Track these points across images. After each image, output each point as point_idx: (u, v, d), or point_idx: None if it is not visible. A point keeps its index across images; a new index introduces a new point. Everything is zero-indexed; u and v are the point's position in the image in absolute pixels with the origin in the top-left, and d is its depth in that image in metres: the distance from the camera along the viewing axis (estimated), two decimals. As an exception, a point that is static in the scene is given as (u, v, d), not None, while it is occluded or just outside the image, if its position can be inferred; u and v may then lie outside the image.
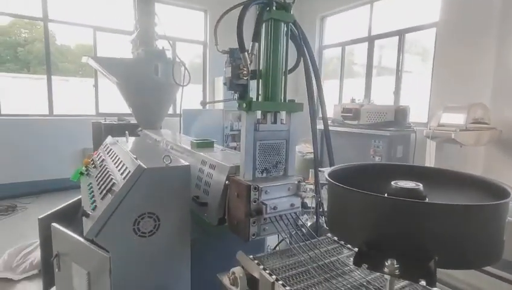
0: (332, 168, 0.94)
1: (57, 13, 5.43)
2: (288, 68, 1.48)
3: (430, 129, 3.53)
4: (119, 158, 1.78)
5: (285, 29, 1.39)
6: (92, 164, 2.16)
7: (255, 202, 1.32)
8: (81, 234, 1.51)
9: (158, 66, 3.17)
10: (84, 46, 6.25)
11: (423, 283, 0.66)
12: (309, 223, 1.83)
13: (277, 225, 1.35)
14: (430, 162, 3.63)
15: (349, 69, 6.93)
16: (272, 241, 1.81)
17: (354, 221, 0.76)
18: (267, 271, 1.10)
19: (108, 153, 2.09)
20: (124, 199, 1.38)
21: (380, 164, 1.04)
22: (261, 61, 1.42)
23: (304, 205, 1.45)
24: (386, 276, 0.68)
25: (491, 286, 1.45)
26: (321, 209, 2.07)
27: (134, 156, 1.61)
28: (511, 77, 3.57)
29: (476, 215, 0.66)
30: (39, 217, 1.82)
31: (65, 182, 4.18)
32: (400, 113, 4.43)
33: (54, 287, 1.86)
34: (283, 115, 1.46)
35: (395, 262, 0.62)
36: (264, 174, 1.43)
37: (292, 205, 1.37)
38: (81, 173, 2.18)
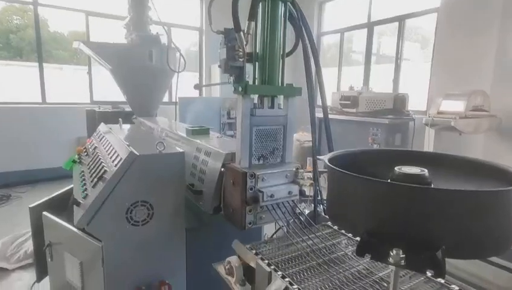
0: (333, 153, 0.90)
1: (48, -3, 5.26)
2: (286, 51, 1.41)
3: (429, 117, 3.49)
4: (111, 145, 1.72)
5: (283, 9, 1.32)
6: (85, 152, 2.10)
7: (251, 189, 1.27)
8: (73, 223, 1.47)
9: (152, 51, 3.08)
10: (78, 33, 6.09)
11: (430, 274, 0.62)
12: (307, 212, 1.79)
13: (274, 214, 1.31)
14: (428, 150, 3.59)
15: (348, 57, 6.83)
16: (269, 229, 1.78)
17: (356, 209, 0.72)
18: (264, 261, 1.06)
19: (101, 140, 2.04)
20: (115, 187, 1.33)
21: (382, 149, 1.00)
22: (257, 43, 1.36)
23: (301, 193, 1.41)
24: (391, 266, 0.64)
25: (497, 276, 1.43)
26: (319, 198, 2.04)
27: (127, 143, 1.55)
28: (512, 64, 3.51)
29: (485, 202, 0.62)
30: (30, 206, 1.78)
31: (61, 171, 4.10)
32: (398, 101, 4.38)
33: (48, 276, 1.83)
34: (281, 99, 1.40)
35: (400, 252, 0.58)
36: (261, 161, 1.39)
37: (290, 192, 1.33)
38: (74, 161, 2.13)
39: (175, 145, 1.99)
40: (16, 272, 2.65)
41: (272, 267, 1.03)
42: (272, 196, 1.27)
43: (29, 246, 2.82)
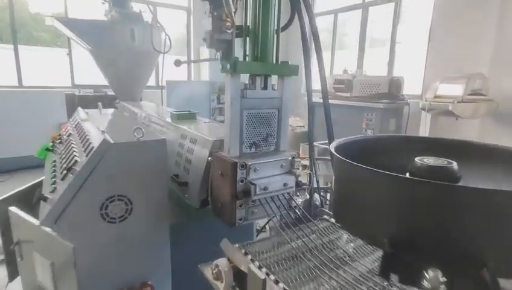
0: (339, 140, 0.75)
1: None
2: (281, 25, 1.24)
3: (426, 101, 3.37)
4: (85, 133, 1.54)
5: (278, -27, 1.14)
6: (59, 140, 1.91)
7: (242, 181, 1.13)
8: (42, 219, 1.30)
9: (134, 30, 2.84)
10: (59, 15, 5.71)
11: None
12: (300, 201, 1.65)
13: (267, 208, 1.17)
14: (424, 135, 3.50)
15: (341, 41, 6.63)
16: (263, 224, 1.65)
17: (371, 210, 0.58)
18: (257, 264, 0.93)
19: (76, 126, 1.85)
20: (87, 180, 1.16)
21: (397, 136, 0.86)
22: (248, 15, 1.18)
23: (298, 184, 1.27)
24: None
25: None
26: (316, 187, 1.91)
27: (102, 130, 1.38)
28: (512, 46, 3.39)
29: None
30: (-4, 200, 1.60)
31: (41, 160, 3.89)
32: (393, 85, 4.25)
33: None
34: (275, 79, 1.24)
35: (439, 274, 0.45)
36: (253, 150, 1.23)
37: (285, 184, 1.19)
38: (47, 150, 1.94)
39: (159, 131, 1.82)
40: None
41: (264, 270, 0.89)
42: (265, 188, 1.13)
43: None
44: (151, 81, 5.54)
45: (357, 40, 5.82)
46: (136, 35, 2.83)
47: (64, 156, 1.47)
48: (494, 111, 3.31)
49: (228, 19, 1.03)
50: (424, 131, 3.54)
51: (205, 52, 6.08)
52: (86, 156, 1.20)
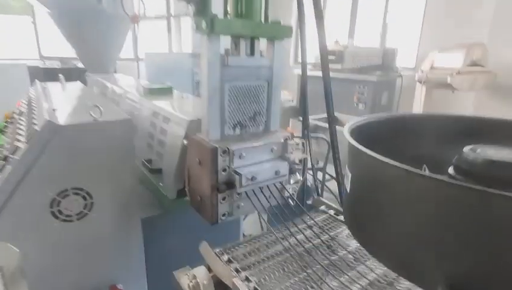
0: (355, 122, 0.54)
1: None
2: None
3: (422, 73, 3.17)
4: (35, 111, 1.28)
5: None
6: (11, 119, 1.64)
7: (224, 171, 0.92)
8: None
9: (101, -10, 2.49)
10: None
11: None
12: (292, 182, 1.46)
13: (256, 201, 0.97)
14: (419, 109, 3.34)
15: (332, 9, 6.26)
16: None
17: (417, 234, 0.38)
18: (243, 276, 0.74)
19: (28, 104, 1.57)
20: (30, 171, 0.93)
21: (426, 115, 0.66)
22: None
23: (292, 170, 1.07)
24: None
25: None
26: (310, 167, 1.73)
27: (54, 108, 1.13)
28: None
29: None
30: None
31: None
32: (387, 56, 4.03)
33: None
34: (264, 43, 1.00)
35: None
36: (237, 131, 1.02)
37: (277, 172, 0.99)
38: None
39: (131, 108, 1.57)
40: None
41: (253, 285, 0.71)
42: (253, 178, 0.93)
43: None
44: (129, 53, 5.13)
45: (349, 8, 5.49)
46: (103, -2, 2.48)
47: (8, 140, 1.22)
48: (491, 83, 3.16)
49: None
50: (418, 105, 3.38)
51: (187, 21, 5.64)
52: (27, 142, 0.96)
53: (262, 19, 0.98)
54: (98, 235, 1.08)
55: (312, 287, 0.73)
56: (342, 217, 1.04)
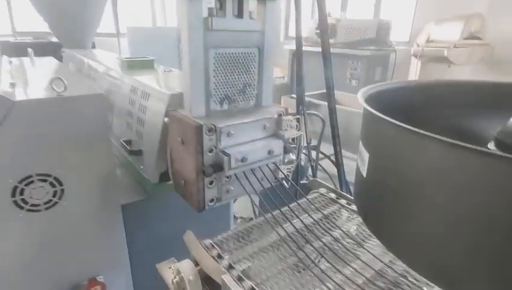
0: (368, 88, 0.43)
1: None
2: None
3: (418, 46, 3.05)
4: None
5: None
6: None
7: (210, 151, 0.81)
8: None
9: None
10: None
11: None
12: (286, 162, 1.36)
13: (247, 184, 0.87)
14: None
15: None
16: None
17: (460, 230, 0.28)
18: (235, 273, 0.65)
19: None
20: (-16, 156, 0.80)
21: (454, 81, 0.54)
22: None
23: (286, 149, 0.96)
24: None
25: None
26: (304, 144, 1.63)
27: (12, 82, 0.98)
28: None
29: None
30: None
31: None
32: (382, 29, 3.87)
33: None
34: (253, 4, 0.87)
35: None
36: (225, 106, 0.90)
37: (270, 152, 0.88)
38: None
39: (110, 85, 1.42)
40: None
41: (249, 285, 0.62)
42: (243, 159, 0.82)
43: None
44: (110, 28, 4.83)
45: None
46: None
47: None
48: (488, 56, 3.07)
49: None
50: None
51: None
52: (-22, 121, 0.82)
53: (252, -26, 0.84)
54: (71, 225, 0.97)
55: (303, 269, 0.64)
56: (343, 201, 0.96)
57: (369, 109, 0.34)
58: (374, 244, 0.77)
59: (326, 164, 2.30)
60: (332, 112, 1.12)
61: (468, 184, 0.29)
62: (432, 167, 0.32)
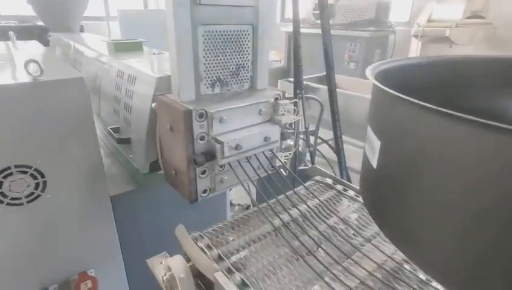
0: (378, 65, 0.36)
1: None
2: None
3: (419, 26, 2.95)
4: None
5: None
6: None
7: (202, 139, 0.75)
8: None
9: None
10: None
11: None
12: (283, 148, 1.31)
13: (241, 173, 0.82)
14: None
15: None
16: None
17: (495, 233, 0.23)
18: (228, 264, 0.60)
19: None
20: (-45, 147, 0.74)
21: (478, 57, 0.48)
22: None
23: (284, 136, 0.91)
24: None
25: None
26: (302, 130, 1.58)
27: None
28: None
29: None
30: None
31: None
32: (381, 10, 3.74)
33: None
34: (246, -25, 0.79)
35: None
36: (217, 89, 0.83)
37: (266, 138, 0.82)
38: None
39: (96, 68, 1.34)
40: None
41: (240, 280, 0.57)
42: (237, 147, 0.76)
43: None
44: (100, 11, 4.66)
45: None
46: None
47: None
48: (491, 36, 2.98)
49: None
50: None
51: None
52: None
53: None
54: (57, 218, 0.91)
55: (300, 257, 0.59)
56: (339, 187, 0.90)
57: (383, 88, 0.28)
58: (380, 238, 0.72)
59: (325, 149, 2.25)
60: (332, 93, 1.05)
61: None
62: (471, 158, 0.26)
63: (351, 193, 0.88)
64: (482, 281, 0.27)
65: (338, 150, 1.19)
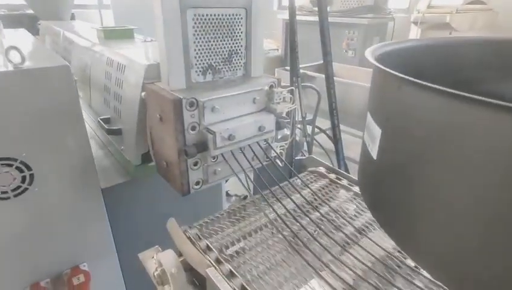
0: (377, 47, 0.33)
1: None
2: None
3: (419, 13, 2.89)
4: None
5: None
6: None
7: (193, 129, 0.72)
8: None
9: None
10: None
11: None
12: (279, 138, 1.27)
13: (235, 164, 0.79)
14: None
15: None
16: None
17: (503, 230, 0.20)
18: (223, 264, 0.57)
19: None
20: None
21: (483, 39, 0.44)
22: None
23: (279, 125, 0.87)
24: None
25: None
26: (299, 119, 1.54)
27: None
28: None
29: None
30: None
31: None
32: (380, -4, 3.66)
33: None
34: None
35: None
36: (209, 77, 0.79)
37: (261, 128, 0.79)
38: None
39: (86, 57, 1.29)
40: None
41: (240, 283, 0.55)
42: (230, 137, 0.73)
43: None
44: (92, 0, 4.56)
45: None
46: None
47: None
48: (492, 22, 2.92)
49: None
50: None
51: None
52: None
53: None
54: (47, 212, 0.89)
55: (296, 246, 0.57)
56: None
57: (385, 69, 0.25)
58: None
59: (322, 139, 2.22)
60: (329, 80, 1.02)
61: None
62: (487, 146, 0.23)
63: (345, 182, 0.85)
64: (487, 277, 0.25)
65: (336, 139, 1.16)
